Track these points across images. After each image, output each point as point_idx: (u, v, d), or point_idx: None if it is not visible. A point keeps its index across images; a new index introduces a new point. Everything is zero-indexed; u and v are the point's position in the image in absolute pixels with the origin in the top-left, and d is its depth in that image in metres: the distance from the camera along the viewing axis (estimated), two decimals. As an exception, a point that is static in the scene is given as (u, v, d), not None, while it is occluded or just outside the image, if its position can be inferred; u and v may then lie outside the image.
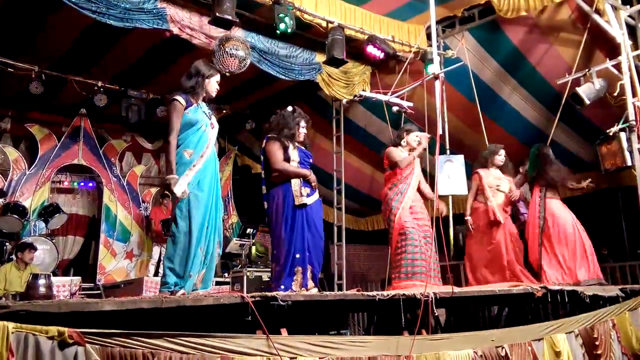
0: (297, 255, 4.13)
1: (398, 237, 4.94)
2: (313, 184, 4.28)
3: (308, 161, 4.41)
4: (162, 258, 8.09)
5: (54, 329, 2.11)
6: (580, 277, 5.29)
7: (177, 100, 3.65)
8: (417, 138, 5.21)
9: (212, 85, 3.84)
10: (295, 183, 4.21)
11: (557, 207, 5.66)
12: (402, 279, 4.80)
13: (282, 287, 4.06)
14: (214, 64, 5.48)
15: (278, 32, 5.71)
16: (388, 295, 3.51)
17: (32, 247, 6.45)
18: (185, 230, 3.55)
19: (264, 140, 4.40)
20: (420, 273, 4.74)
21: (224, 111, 8.74)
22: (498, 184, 5.67)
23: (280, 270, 4.17)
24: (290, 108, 4.48)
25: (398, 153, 5.12)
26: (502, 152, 5.82)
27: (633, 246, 8.50)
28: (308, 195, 4.23)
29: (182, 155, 3.64)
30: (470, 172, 7.24)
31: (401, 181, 5.08)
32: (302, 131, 4.44)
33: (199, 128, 3.71)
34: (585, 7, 5.85)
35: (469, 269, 5.76)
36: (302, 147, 4.44)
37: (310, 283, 4.16)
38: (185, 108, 3.67)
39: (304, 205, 4.19)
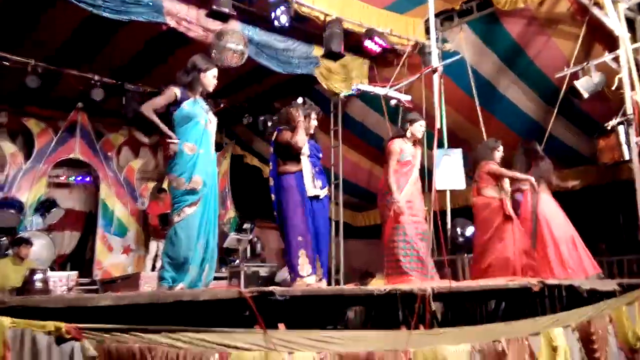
0: (312, 242, 4.15)
1: (391, 231, 4.85)
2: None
3: (318, 155, 4.41)
4: (158, 253, 8.10)
5: (50, 324, 2.10)
6: (573, 272, 5.27)
7: (172, 89, 3.68)
8: (422, 128, 5.09)
9: (209, 79, 3.82)
10: (307, 175, 4.22)
11: (549, 202, 5.64)
12: (395, 275, 4.77)
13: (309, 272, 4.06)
14: (212, 58, 5.46)
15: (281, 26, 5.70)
16: (385, 290, 3.51)
17: (28, 242, 6.43)
18: (189, 225, 3.54)
19: (275, 132, 4.36)
20: (412, 270, 4.70)
21: (222, 105, 8.71)
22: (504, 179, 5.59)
23: (295, 258, 4.12)
24: (300, 100, 4.42)
25: (396, 154, 4.97)
26: (501, 147, 5.71)
27: (631, 240, 8.51)
28: (321, 188, 4.27)
29: (182, 149, 3.63)
30: (469, 167, 7.23)
31: (401, 175, 4.95)
32: (313, 123, 4.41)
33: (197, 122, 3.70)
34: (584, 0, 5.83)
35: (476, 263, 5.64)
36: (312, 141, 4.43)
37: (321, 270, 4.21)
38: (182, 101, 3.67)
39: (317, 197, 4.23)
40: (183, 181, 3.58)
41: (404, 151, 4.99)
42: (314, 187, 4.22)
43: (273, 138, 4.39)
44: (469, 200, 9.03)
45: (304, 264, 4.07)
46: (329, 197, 4.44)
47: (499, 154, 5.66)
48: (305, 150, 4.28)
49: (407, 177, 4.95)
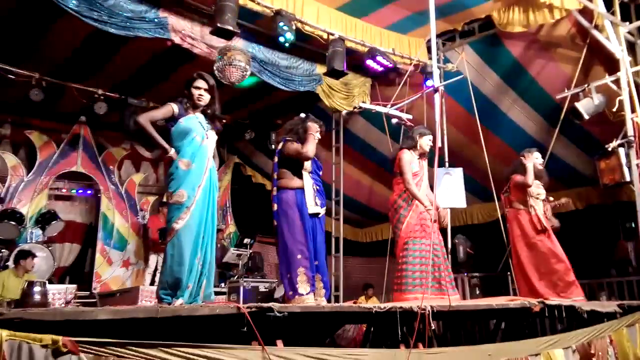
0: (316, 263, 4.13)
1: (403, 246, 4.84)
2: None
3: (318, 172, 4.39)
4: (158, 267, 8.08)
5: (48, 337, 2.10)
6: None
7: (170, 104, 3.73)
8: (430, 142, 5.10)
9: (192, 91, 3.80)
10: (309, 192, 4.19)
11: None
12: (404, 292, 4.76)
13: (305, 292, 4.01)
14: (215, 74, 5.52)
15: (285, 44, 5.75)
16: (385, 307, 3.50)
17: (31, 255, 6.44)
18: (180, 241, 3.54)
19: (281, 142, 4.35)
20: (420, 285, 4.67)
21: (224, 120, 8.73)
22: (539, 192, 5.49)
23: (294, 275, 4.07)
24: (303, 115, 4.44)
25: (409, 163, 4.97)
26: (538, 154, 5.55)
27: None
28: (321, 206, 4.24)
29: (177, 165, 3.64)
30: (470, 185, 7.25)
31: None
32: (317, 136, 4.38)
33: (193, 138, 3.71)
34: (585, 23, 5.89)
35: (521, 278, 5.45)
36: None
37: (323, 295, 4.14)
38: (179, 117, 3.72)
39: (317, 214, 4.19)
40: (173, 196, 3.62)
41: (412, 162, 5.02)
42: (315, 204, 4.18)
43: (279, 147, 4.36)
44: (469, 218, 9.07)
45: (302, 282, 4.02)
46: (324, 216, 4.40)
47: (536, 161, 5.52)
48: (308, 166, 4.27)
49: (418, 188, 4.94)
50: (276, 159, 4.37)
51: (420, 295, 4.47)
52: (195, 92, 3.80)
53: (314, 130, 4.29)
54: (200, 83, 3.82)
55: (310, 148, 4.17)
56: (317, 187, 4.29)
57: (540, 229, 5.32)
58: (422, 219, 4.85)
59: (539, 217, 5.34)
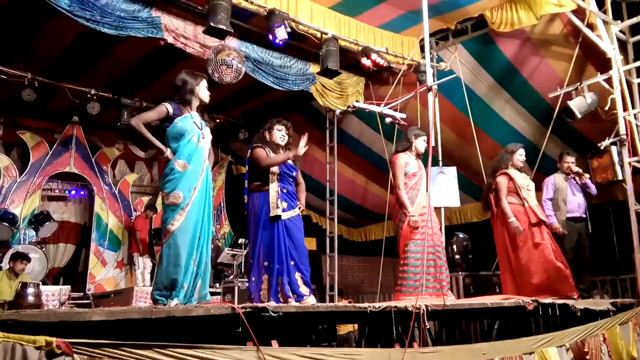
0: (278, 267, 4.09)
1: (404, 248, 4.90)
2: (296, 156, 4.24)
3: (290, 174, 4.34)
4: (146, 267, 8.09)
5: (41, 339, 2.08)
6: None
7: (163, 104, 3.70)
8: (425, 143, 5.17)
9: (203, 91, 3.84)
10: (272, 194, 4.18)
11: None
12: (404, 293, 4.79)
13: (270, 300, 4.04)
14: (209, 74, 5.51)
15: (279, 44, 5.75)
16: (379, 307, 3.50)
17: (25, 258, 6.41)
18: (176, 242, 3.54)
19: (249, 150, 4.39)
20: (418, 287, 4.71)
21: (217, 120, 8.75)
22: (528, 184, 5.48)
23: (258, 281, 4.15)
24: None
25: (401, 168, 5.06)
26: (522, 151, 5.57)
27: (624, 260, 8.53)
28: (284, 210, 4.17)
29: (173, 167, 3.62)
30: (463, 184, 7.27)
31: (410, 187, 5.03)
32: (278, 134, 4.37)
33: (189, 139, 3.69)
34: (577, 22, 5.91)
35: (510, 276, 5.37)
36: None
37: (305, 288, 4.11)
38: (174, 117, 3.69)
39: (278, 217, 4.14)
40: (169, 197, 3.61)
41: (409, 164, 5.10)
42: (277, 207, 4.14)
43: (248, 155, 4.40)
44: (463, 217, 9.09)
45: (264, 290, 4.11)
46: (300, 218, 4.35)
47: (520, 157, 5.53)
48: (274, 169, 4.25)
49: (417, 189, 5.02)
50: (247, 168, 4.41)
51: (419, 297, 4.51)
52: (206, 92, 3.87)
53: (278, 137, 4.35)
54: (206, 82, 3.88)
55: (269, 162, 4.20)
56: (285, 190, 4.26)
57: (535, 222, 5.27)
58: (422, 219, 4.89)
59: (533, 209, 5.33)
